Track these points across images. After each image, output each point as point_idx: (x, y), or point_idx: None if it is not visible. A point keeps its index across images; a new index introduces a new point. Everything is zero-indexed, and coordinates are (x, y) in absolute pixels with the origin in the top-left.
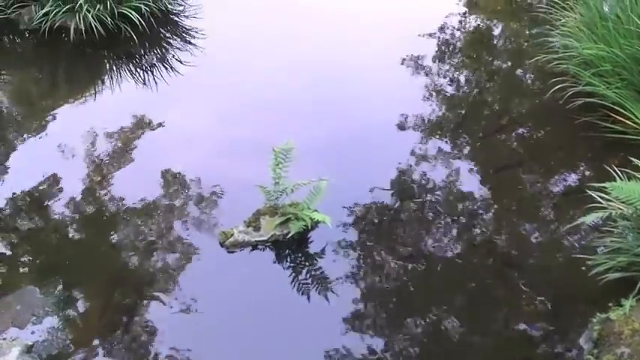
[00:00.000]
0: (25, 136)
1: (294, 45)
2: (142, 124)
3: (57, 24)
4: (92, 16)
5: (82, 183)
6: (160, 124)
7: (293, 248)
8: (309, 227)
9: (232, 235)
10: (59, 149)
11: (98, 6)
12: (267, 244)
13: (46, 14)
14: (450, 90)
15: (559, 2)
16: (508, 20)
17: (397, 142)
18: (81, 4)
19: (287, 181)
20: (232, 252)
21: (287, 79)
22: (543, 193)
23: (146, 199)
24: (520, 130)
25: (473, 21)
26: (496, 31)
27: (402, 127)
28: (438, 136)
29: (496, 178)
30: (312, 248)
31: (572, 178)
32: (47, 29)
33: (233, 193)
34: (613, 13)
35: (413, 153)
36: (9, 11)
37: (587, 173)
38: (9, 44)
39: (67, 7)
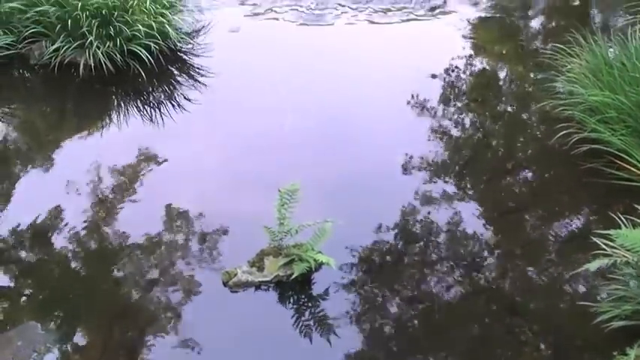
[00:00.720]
0: (30, 168)
1: (301, 85)
2: (147, 160)
3: (67, 60)
4: (102, 53)
5: (85, 217)
6: (165, 160)
7: (296, 289)
8: (313, 269)
9: (236, 274)
10: (64, 182)
11: (108, 43)
12: (271, 285)
13: (57, 50)
14: (455, 132)
15: (565, 49)
16: (514, 64)
17: (402, 183)
18: (91, 40)
19: (292, 221)
20: (235, 292)
21: (293, 118)
22: (548, 238)
23: (149, 234)
24: (525, 175)
25: (479, 64)
26: (502, 75)
27: (406, 168)
28: (442, 178)
29: (500, 221)
30: (316, 290)
31: (577, 224)
32: (57, 64)
33: (237, 231)
34: (618, 61)
35: (417, 194)
36: (20, 46)
37: (591, 219)
38: (19, 78)
39: (77, 43)
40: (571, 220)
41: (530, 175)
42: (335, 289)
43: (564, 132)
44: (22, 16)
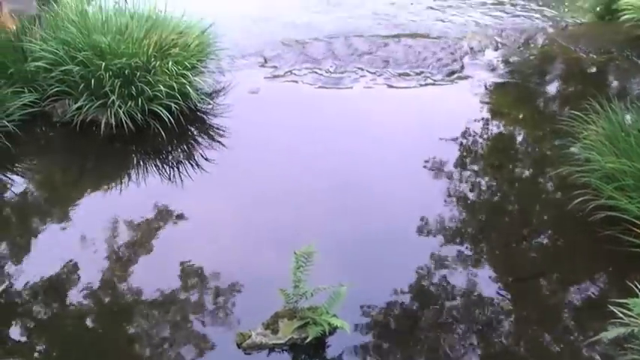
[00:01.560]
0: (48, 223)
1: (318, 146)
2: (164, 217)
3: (89, 118)
4: (123, 112)
5: (101, 272)
6: (181, 217)
7: (310, 353)
8: (327, 332)
9: (250, 336)
10: (81, 238)
11: (130, 102)
12: (285, 348)
13: (79, 108)
14: (471, 196)
15: (581, 115)
16: (530, 130)
17: (417, 245)
18: (113, 100)
19: (307, 284)
20: (249, 354)
21: (310, 178)
22: (564, 306)
23: (164, 291)
24: (541, 240)
25: (496, 128)
26: (519, 140)
27: (422, 230)
28: (458, 242)
29: (516, 287)
30: (330, 354)
31: (594, 292)
32: (79, 122)
33: (252, 290)
34: (635, 128)
35: (433, 257)
36: (44, 104)
37: (608, 287)
38: (41, 135)
39: (99, 102)
40: (587, 288)
41: (546, 241)
42: (349, 353)
43: (581, 199)
44: (47, 75)
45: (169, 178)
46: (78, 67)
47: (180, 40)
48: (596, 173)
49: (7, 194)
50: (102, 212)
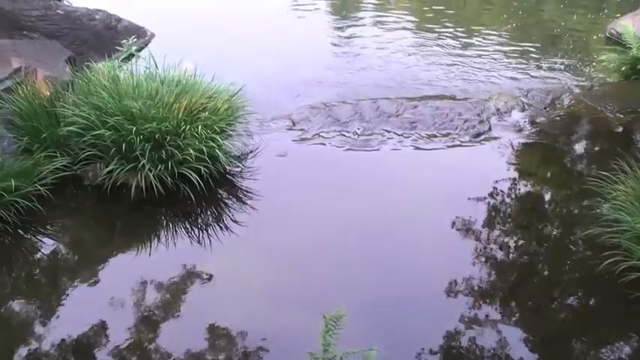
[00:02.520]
0: (77, 283)
1: (346, 207)
2: (192, 279)
3: (119, 181)
4: (153, 176)
5: (129, 333)
6: (210, 279)
7: None
8: None
9: None
10: (110, 299)
11: (160, 166)
12: None
13: (110, 172)
14: (500, 256)
15: (609, 175)
16: (558, 190)
17: (446, 306)
18: (144, 163)
19: (336, 348)
20: None
21: (338, 240)
22: None
23: (193, 353)
24: (571, 302)
25: (523, 188)
26: (547, 200)
27: (451, 291)
28: (487, 303)
29: (546, 350)
30: None
31: (625, 355)
32: (110, 186)
33: (281, 353)
34: None
35: (462, 318)
36: (75, 168)
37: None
38: (72, 198)
39: (130, 166)
40: (619, 351)
41: (576, 302)
42: None
43: (611, 260)
44: (79, 140)
45: (198, 241)
46: (109, 132)
47: (210, 104)
48: (627, 234)
49: (38, 255)
50: (131, 274)
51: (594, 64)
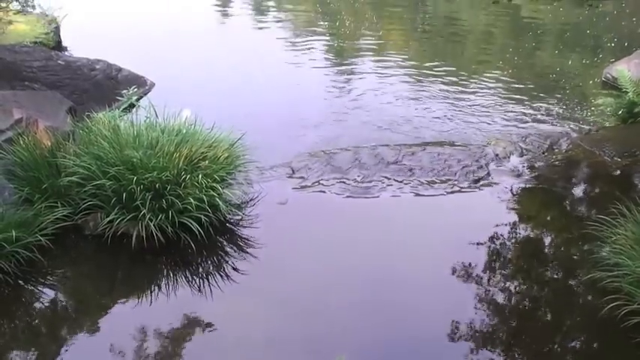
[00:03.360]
0: (77, 333)
1: (346, 256)
2: (193, 328)
3: (120, 231)
4: (154, 225)
5: None
6: (211, 327)
7: None
8: None
9: None
10: (110, 348)
11: (160, 215)
12: None
13: (111, 222)
14: (501, 301)
15: (609, 219)
16: (558, 234)
17: (449, 351)
18: (144, 213)
19: None
20: None
21: (339, 288)
22: None
23: None
24: (574, 346)
25: (523, 233)
26: (547, 244)
27: (453, 335)
28: (489, 348)
29: None
30: None
31: None
32: (110, 235)
33: None
34: None
35: None
36: (76, 217)
37: None
38: (73, 248)
39: (130, 215)
40: None
41: (579, 347)
42: None
43: (613, 304)
44: (79, 190)
45: (199, 289)
46: (110, 182)
47: (210, 153)
48: (628, 278)
49: (38, 306)
50: (131, 322)
51: (591, 108)
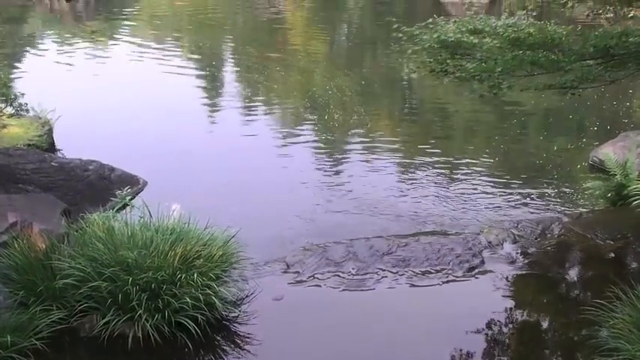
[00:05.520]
0: None
1: (343, 347)
2: None
3: (116, 332)
4: (150, 325)
5: None
6: None
7: None
8: None
9: None
10: None
11: (156, 315)
12: None
13: (107, 323)
14: None
15: (605, 304)
16: (555, 319)
17: None
18: (140, 313)
19: None
20: None
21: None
22: None
23: None
24: None
25: (520, 318)
26: (545, 329)
27: None
28: None
29: None
30: None
31: None
32: (106, 337)
33: None
34: None
35: None
36: (72, 320)
37: None
38: (68, 351)
39: (126, 316)
40: None
41: None
42: None
43: None
44: (75, 292)
45: None
46: (105, 283)
47: (205, 251)
48: None
49: None
50: None
51: (580, 192)
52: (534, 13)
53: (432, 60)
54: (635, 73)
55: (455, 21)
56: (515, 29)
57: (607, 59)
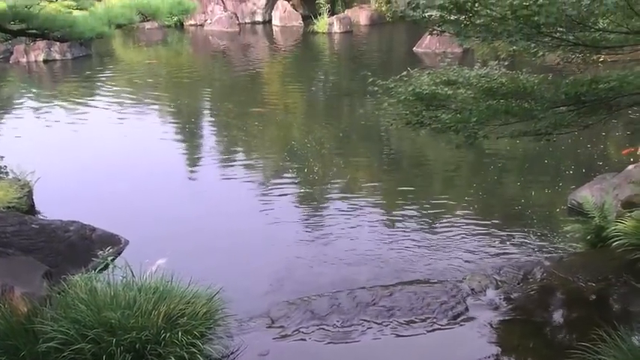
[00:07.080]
0: None
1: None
2: None
3: None
4: None
5: None
6: None
7: None
8: None
9: None
10: None
11: None
12: None
13: None
14: None
15: (590, 346)
16: None
17: None
18: None
19: None
20: None
21: None
22: None
23: None
24: None
25: None
26: None
27: None
28: None
29: None
30: None
31: None
32: None
33: None
34: None
35: None
36: None
37: None
38: None
39: None
40: None
41: None
42: None
43: None
44: (58, 355)
45: None
46: (89, 345)
47: (188, 309)
48: None
49: None
50: None
51: (560, 235)
52: (506, 63)
53: (407, 112)
54: (607, 118)
55: (429, 72)
56: (488, 79)
57: (579, 106)
